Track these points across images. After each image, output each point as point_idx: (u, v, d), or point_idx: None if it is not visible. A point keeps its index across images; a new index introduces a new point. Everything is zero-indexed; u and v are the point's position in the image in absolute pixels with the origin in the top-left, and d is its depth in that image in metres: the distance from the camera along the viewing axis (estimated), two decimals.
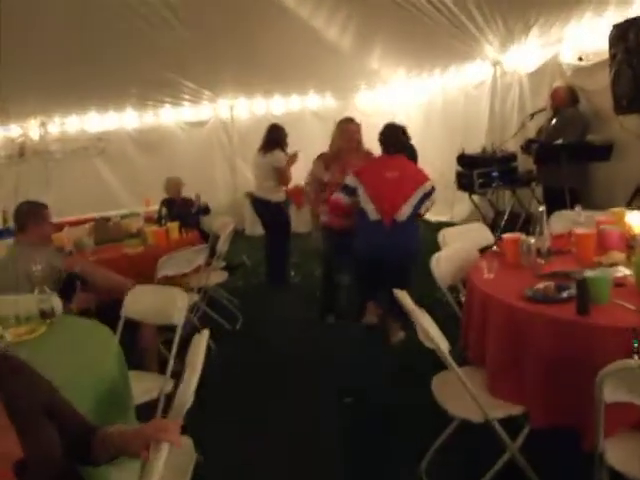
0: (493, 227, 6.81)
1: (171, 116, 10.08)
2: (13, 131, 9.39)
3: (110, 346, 2.37)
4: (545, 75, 6.72)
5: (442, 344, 2.21)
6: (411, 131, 8.28)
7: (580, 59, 6.24)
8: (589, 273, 2.27)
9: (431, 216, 6.61)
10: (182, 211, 6.12)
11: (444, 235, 3.59)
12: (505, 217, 6.79)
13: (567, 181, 5.68)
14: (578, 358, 2.07)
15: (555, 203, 5.87)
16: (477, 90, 8.35)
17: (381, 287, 4.51)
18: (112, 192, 9.75)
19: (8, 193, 8.99)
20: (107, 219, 5.53)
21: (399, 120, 10.37)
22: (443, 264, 2.94)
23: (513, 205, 7.01)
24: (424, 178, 4.45)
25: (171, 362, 2.73)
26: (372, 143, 7.16)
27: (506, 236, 3.05)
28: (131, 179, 9.79)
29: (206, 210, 6.71)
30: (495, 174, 6.46)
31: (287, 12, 8.27)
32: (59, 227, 7.80)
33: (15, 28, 6.81)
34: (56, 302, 2.82)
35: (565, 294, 2.31)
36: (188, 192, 8.24)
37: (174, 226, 5.05)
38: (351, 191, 4.36)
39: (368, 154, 4.98)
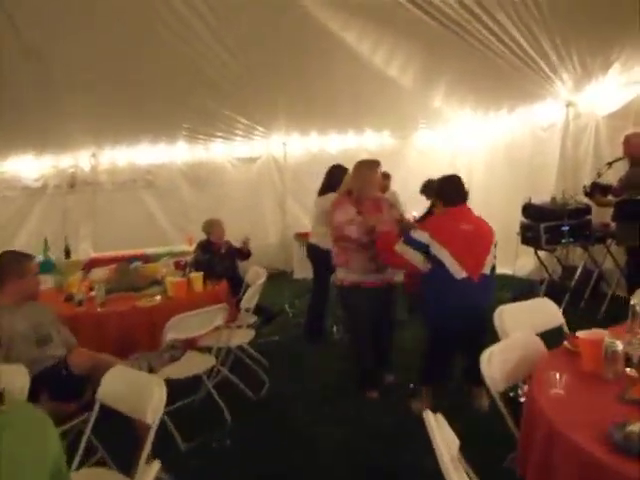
0: (562, 287, 6.08)
1: (222, 151, 9.74)
2: (64, 162, 9.25)
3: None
4: (627, 118, 5.99)
5: None
6: (472, 176, 7.68)
7: None
8: None
9: None
10: (215, 257, 5.67)
11: (501, 316, 2.91)
12: (576, 276, 6.02)
13: None
14: None
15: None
16: (547, 133, 7.64)
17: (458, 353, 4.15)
18: (158, 227, 9.45)
19: (57, 224, 8.89)
20: (129, 263, 5.06)
21: (460, 163, 10.03)
22: (496, 362, 2.28)
23: (585, 262, 6.22)
24: (492, 228, 4.06)
25: (141, 463, 2.17)
26: None
27: (583, 335, 2.31)
28: (179, 214, 9.48)
29: (245, 255, 6.20)
30: (565, 228, 5.73)
31: (346, 48, 7.85)
32: (90, 264, 7.57)
33: (72, 56, 6.67)
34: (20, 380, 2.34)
35: None
36: (235, 230, 7.93)
37: (197, 277, 4.55)
38: (422, 247, 3.82)
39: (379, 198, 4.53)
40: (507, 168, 8.45)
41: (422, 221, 5.90)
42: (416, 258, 3.81)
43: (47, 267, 7.66)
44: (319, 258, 5.78)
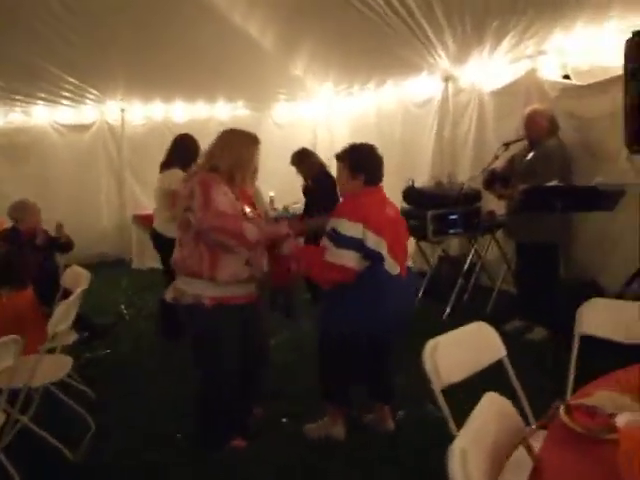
0: (446, 280, 5.43)
1: (46, 115, 8.07)
2: None
3: None
4: (517, 95, 5.36)
5: None
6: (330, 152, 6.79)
7: (567, 77, 4.92)
8: None
9: None
10: (24, 251, 4.29)
11: (434, 356, 1.99)
12: (465, 269, 5.36)
13: (551, 235, 4.37)
14: None
15: (533, 264, 4.54)
16: (422, 109, 6.94)
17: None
18: None
19: None
20: None
21: (321, 139, 9.19)
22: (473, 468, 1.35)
23: (470, 253, 5.58)
24: None
25: None
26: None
27: (622, 422, 1.41)
28: None
29: (65, 246, 4.87)
30: (454, 217, 5.01)
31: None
32: None
33: None
34: None
35: None
36: (61, 212, 6.49)
37: None
38: (358, 245, 2.87)
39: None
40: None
41: (310, 213, 4.81)
42: (353, 260, 2.88)
43: None
44: (166, 247, 4.56)
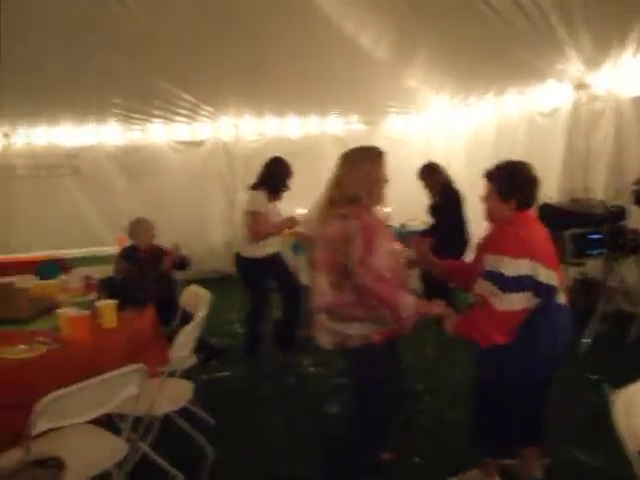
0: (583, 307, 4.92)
1: (162, 133, 8.24)
2: None
3: None
4: None
5: None
6: (450, 169, 6.45)
7: None
8: None
9: None
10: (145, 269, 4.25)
11: (630, 412, 1.65)
12: (604, 294, 4.84)
13: None
14: None
15: None
16: (548, 120, 6.45)
17: None
18: (83, 223, 7.92)
19: None
20: (10, 284, 3.52)
21: (436, 153, 8.81)
22: None
23: (608, 277, 5.03)
24: None
25: None
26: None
27: None
28: (108, 208, 7.94)
29: (182, 264, 4.81)
30: (595, 237, 4.52)
31: (312, 11, 6.54)
32: None
33: None
34: None
35: None
36: (175, 229, 6.54)
37: (107, 307, 3.04)
38: (530, 284, 2.51)
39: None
40: (495, 161, 7.22)
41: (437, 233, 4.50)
42: (524, 301, 2.51)
43: None
44: (241, 266, 4.92)
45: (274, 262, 4.89)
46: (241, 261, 4.87)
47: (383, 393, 2.68)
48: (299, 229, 6.28)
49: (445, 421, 3.46)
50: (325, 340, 2.69)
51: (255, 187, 4.85)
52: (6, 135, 7.68)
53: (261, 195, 4.73)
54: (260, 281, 4.86)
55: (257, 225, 4.64)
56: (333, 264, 2.55)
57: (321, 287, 2.60)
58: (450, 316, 2.64)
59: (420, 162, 6.09)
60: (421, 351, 4.84)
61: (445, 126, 8.61)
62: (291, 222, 4.77)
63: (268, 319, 5.03)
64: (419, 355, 4.77)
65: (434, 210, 5.67)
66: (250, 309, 4.96)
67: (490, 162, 5.50)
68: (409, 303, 2.50)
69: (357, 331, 2.58)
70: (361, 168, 2.67)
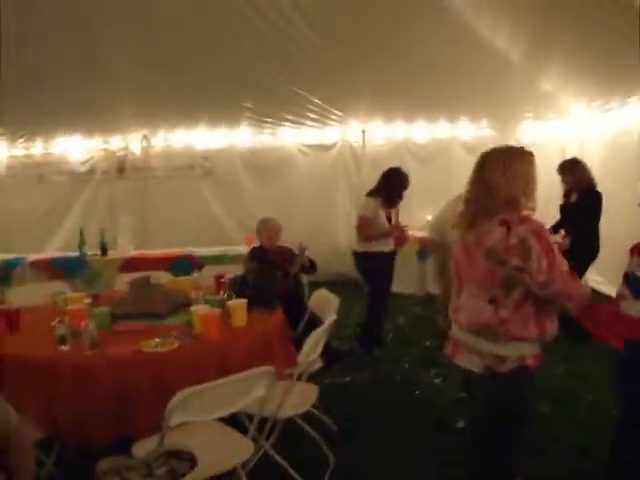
0: None
1: (291, 137, 8.40)
2: (114, 144, 8.19)
3: None
4: None
5: None
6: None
7: None
8: None
9: None
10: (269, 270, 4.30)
11: None
12: None
13: None
14: None
15: None
16: None
17: None
18: (214, 222, 8.21)
19: (103, 212, 7.85)
20: (147, 279, 3.67)
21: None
22: None
23: None
24: None
25: None
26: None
27: None
28: (238, 208, 8.24)
29: (310, 268, 4.84)
30: None
31: (447, 12, 6.35)
32: (129, 264, 6.43)
33: (118, 28, 5.89)
34: None
35: None
36: (301, 230, 6.65)
37: (238, 306, 3.12)
38: None
39: None
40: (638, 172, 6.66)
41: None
42: None
43: (78, 265, 6.58)
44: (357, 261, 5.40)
45: (376, 258, 5.15)
46: (354, 256, 5.34)
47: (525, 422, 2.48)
48: (424, 235, 6.21)
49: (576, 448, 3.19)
50: (474, 363, 2.42)
51: (370, 194, 5.21)
52: (145, 137, 8.15)
53: (373, 202, 5.10)
54: (374, 276, 5.23)
55: (361, 228, 5.12)
56: (495, 277, 2.29)
57: (472, 303, 2.38)
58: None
59: (553, 170, 5.78)
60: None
61: (583, 132, 8.11)
62: (395, 230, 5.16)
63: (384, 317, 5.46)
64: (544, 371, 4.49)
65: (567, 210, 5.37)
66: (367, 305, 5.34)
67: (632, 174, 5.12)
68: (583, 287, 2.37)
69: (514, 351, 2.33)
70: (516, 168, 2.43)
